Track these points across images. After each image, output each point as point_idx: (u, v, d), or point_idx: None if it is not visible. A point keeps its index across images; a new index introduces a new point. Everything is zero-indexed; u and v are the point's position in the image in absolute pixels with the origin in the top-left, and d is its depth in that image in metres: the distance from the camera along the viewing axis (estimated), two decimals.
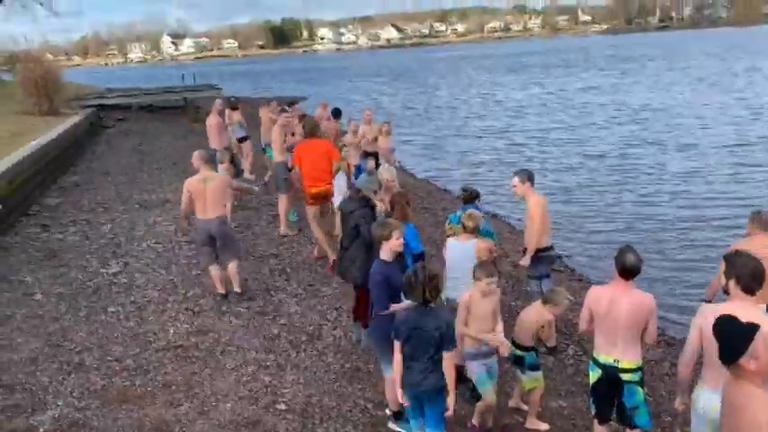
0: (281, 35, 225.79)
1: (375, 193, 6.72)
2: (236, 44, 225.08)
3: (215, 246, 7.51)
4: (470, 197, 6.77)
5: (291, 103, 16.25)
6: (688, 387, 4.04)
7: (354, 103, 33.01)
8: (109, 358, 6.34)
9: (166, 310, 7.47)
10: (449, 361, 4.13)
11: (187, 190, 7.43)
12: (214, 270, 7.65)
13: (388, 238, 4.82)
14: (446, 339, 4.10)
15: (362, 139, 10.53)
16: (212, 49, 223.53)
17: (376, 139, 11.42)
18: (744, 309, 3.40)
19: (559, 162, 16.93)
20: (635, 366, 4.28)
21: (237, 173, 11.44)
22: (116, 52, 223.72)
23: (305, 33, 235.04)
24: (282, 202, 10.18)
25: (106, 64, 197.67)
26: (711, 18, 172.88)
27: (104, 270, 8.81)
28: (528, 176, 6.60)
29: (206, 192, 7.32)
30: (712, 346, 3.45)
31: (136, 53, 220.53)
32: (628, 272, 4.20)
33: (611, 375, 4.34)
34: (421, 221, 10.15)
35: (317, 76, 68.18)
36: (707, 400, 3.74)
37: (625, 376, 4.29)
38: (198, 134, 22.61)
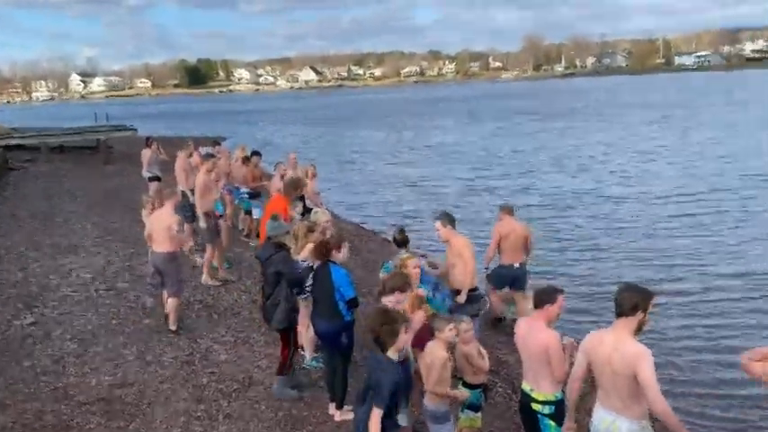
0: (197, 75, 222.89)
1: (288, 233, 6.70)
2: (150, 83, 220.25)
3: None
4: (404, 240, 6.90)
5: (215, 143, 16.12)
6: (573, 408, 4.38)
7: (275, 144, 32.99)
8: (27, 416, 5.98)
9: (87, 362, 7.14)
10: (373, 419, 3.90)
11: (149, 222, 8.08)
12: (163, 301, 8.15)
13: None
14: (375, 394, 3.94)
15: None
16: (124, 89, 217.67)
17: None
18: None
19: (482, 211, 16.47)
20: (543, 398, 4.46)
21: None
22: (19, 90, 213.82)
23: (221, 74, 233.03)
24: (209, 252, 9.98)
25: (8, 102, 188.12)
26: (611, 67, 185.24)
27: (18, 321, 8.33)
28: (449, 219, 6.90)
29: (155, 227, 7.81)
30: (595, 368, 4.07)
31: (42, 91, 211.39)
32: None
33: (524, 403, 4.59)
34: (350, 264, 10.21)
35: (235, 117, 67.77)
36: (596, 416, 4.15)
37: (535, 406, 4.50)
38: (112, 175, 21.99)
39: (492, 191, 19.61)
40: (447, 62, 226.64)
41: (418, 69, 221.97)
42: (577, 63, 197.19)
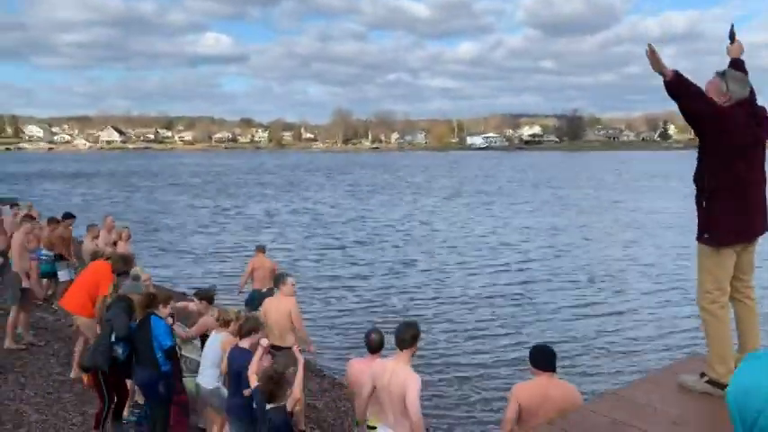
0: None
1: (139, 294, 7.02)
2: None
3: None
4: (208, 295, 7.43)
5: (13, 204, 15.34)
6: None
7: (73, 206, 31.12)
8: None
9: None
10: None
11: None
12: None
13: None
14: None
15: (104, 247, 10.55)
16: None
17: (115, 243, 11.49)
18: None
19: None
20: None
21: None
22: None
23: (9, 130, 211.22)
24: (14, 313, 9.55)
25: None
26: (413, 143, 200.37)
27: None
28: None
29: None
30: (378, 391, 4.78)
31: None
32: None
33: None
34: None
35: (26, 177, 62.25)
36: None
37: None
38: None
39: (315, 261, 20.35)
40: (260, 130, 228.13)
41: (230, 135, 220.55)
42: (382, 138, 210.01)
